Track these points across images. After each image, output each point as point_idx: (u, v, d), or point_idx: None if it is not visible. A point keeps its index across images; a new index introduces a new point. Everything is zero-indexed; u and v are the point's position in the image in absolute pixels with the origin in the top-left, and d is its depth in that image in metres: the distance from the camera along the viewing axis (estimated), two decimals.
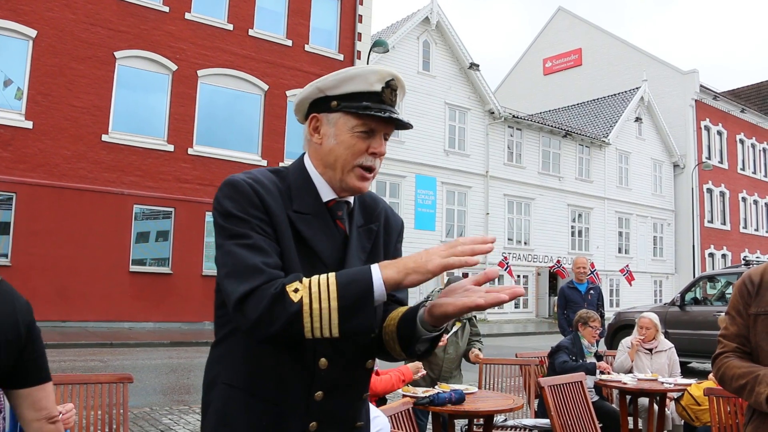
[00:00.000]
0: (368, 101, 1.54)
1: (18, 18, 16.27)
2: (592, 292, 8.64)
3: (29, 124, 16.32)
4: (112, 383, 3.81)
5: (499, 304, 1.35)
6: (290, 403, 1.51)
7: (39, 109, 16.48)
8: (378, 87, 1.55)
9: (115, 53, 17.72)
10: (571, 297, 8.60)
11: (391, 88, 1.58)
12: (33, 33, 16.48)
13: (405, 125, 1.57)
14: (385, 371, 4.35)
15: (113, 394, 3.79)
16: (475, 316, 5.51)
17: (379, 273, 1.33)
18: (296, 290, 1.35)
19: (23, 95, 16.37)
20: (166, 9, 18.60)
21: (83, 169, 17.00)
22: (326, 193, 1.60)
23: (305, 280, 1.37)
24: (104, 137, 17.39)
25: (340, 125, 1.56)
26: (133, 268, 17.70)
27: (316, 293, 1.33)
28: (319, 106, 1.59)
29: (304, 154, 1.66)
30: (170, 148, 18.46)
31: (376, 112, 1.52)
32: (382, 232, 1.71)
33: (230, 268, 1.42)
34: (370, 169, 1.57)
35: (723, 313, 2.95)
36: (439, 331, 1.48)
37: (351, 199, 1.65)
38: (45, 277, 16.03)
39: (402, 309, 1.59)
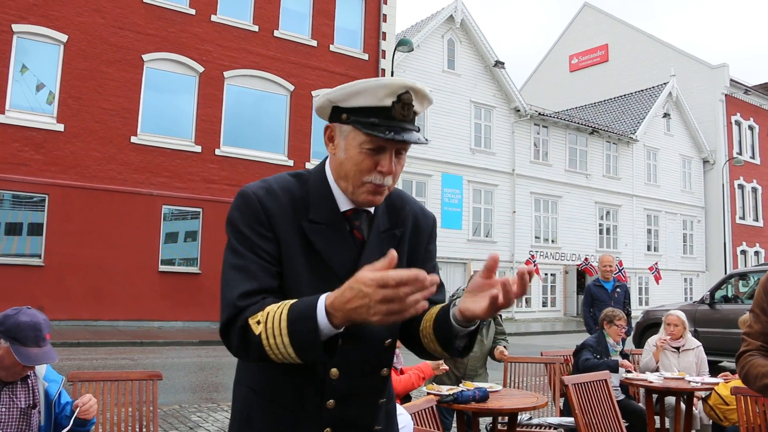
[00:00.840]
0: (377, 117, 1.46)
1: (50, 23, 16.60)
2: (618, 290, 8.58)
3: (61, 127, 16.63)
4: (142, 380, 3.89)
5: (522, 295, 1.39)
6: (304, 410, 1.54)
7: (70, 112, 16.79)
8: (387, 102, 1.45)
9: (143, 56, 17.98)
10: (598, 295, 8.56)
11: (403, 102, 1.46)
12: (64, 38, 16.79)
13: (416, 143, 1.49)
14: (408, 367, 4.38)
15: (143, 392, 3.87)
16: (500, 315, 5.50)
17: (324, 312, 1.28)
18: (258, 322, 1.35)
19: (54, 99, 16.68)
20: (193, 11, 18.82)
21: (113, 171, 17.28)
22: (344, 203, 1.57)
23: (266, 309, 1.36)
24: (133, 139, 17.66)
25: (350, 139, 1.50)
26: (162, 267, 17.94)
27: (270, 328, 1.33)
28: (334, 115, 1.54)
29: (327, 157, 1.63)
30: (198, 149, 18.68)
31: (380, 132, 1.44)
32: (408, 236, 1.67)
33: (221, 291, 1.48)
34: (379, 186, 1.52)
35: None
36: (475, 325, 1.50)
37: (371, 208, 1.60)
38: (77, 277, 16.33)
39: (435, 309, 1.58)
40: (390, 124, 1.46)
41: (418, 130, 1.52)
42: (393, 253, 1.22)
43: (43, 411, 2.89)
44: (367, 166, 1.49)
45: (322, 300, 1.29)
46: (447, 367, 4.76)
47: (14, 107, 16.16)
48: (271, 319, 1.33)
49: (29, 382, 2.84)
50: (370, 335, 1.55)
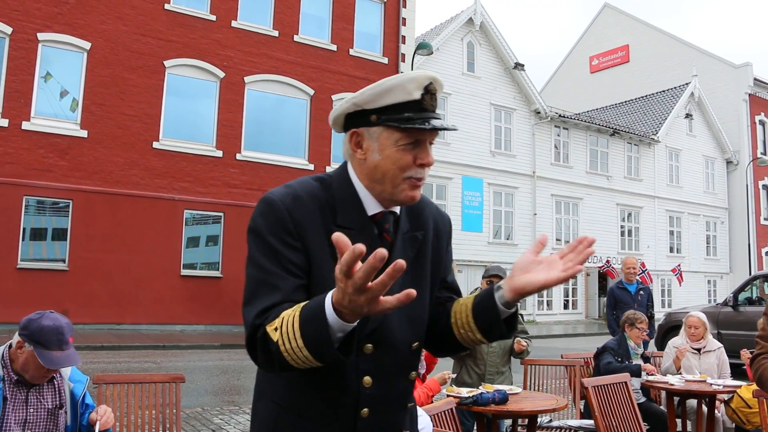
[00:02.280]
0: (409, 111, 1.47)
1: (73, 31, 16.85)
2: (642, 292, 8.52)
3: (84, 133, 16.87)
4: (165, 383, 3.94)
5: (577, 273, 1.45)
6: (338, 423, 1.52)
7: (93, 118, 17.02)
8: (417, 95, 1.48)
9: (164, 62, 18.18)
10: (621, 297, 8.50)
11: (430, 92, 1.50)
12: (87, 45, 17.04)
13: (450, 129, 1.52)
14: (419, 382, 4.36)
15: (166, 394, 3.92)
16: (521, 314, 5.47)
17: (332, 309, 1.25)
18: (276, 329, 1.33)
19: (78, 105, 16.93)
20: (213, 18, 19.00)
21: (136, 176, 17.49)
22: (372, 207, 1.56)
23: (281, 315, 1.34)
24: (155, 144, 17.86)
25: (383, 139, 1.50)
26: (185, 272, 18.10)
27: (285, 333, 1.30)
28: (358, 120, 1.53)
29: (346, 163, 1.61)
30: (219, 153, 18.84)
31: (419, 124, 1.46)
32: (431, 238, 1.67)
33: (245, 302, 1.45)
34: (420, 179, 1.53)
35: None
36: (515, 307, 1.54)
37: (397, 209, 1.61)
38: (100, 281, 16.54)
39: (467, 300, 1.60)
40: (424, 116, 1.48)
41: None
42: (401, 263, 1.16)
43: (69, 411, 2.95)
44: (407, 161, 1.49)
45: (329, 296, 1.25)
46: (452, 375, 4.72)
47: (39, 114, 16.43)
48: (286, 324, 1.31)
49: (55, 383, 2.90)
50: (398, 340, 1.55)
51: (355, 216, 1.54)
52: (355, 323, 1.27)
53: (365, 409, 1.52)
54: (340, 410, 1.51)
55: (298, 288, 1.45)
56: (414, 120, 1.47)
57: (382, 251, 1.14)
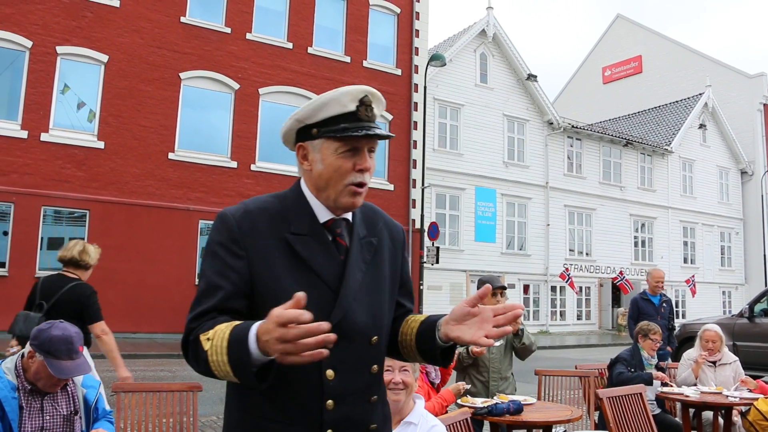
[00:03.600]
0: (345, 122, 1.61)
1: (91, 45, 17.09)
2: (665, 304, 8.45)
3: (101, 144, 17.06)
4: (182, 392, 3.99)
5: (504, 335, 1.56)
6: (305, 419, 1.59)
7: (110, 129, 17.22)
8: (352, 107, 1.61)
9: (180, 74, 18.38)
10: (645, 309, 8.39)
11: (365, 104, 1.63)
12: (105, 58, 17.26)
13: (385, 137, 1.65)
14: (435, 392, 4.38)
15: (183, 402, 3.96)
16: (523, 328, 5.37)
17: (254, 338, 1.35)
18: (208, 339, 1.43)
19: (95, 117, 17.14)
20: (228, 30, 19.20)
21: (151, 187, 17.65)
22: (323, 215, 1.68)
23: (215, 328, 1.44)
24: (171, 155, 18.03)
25: (324, 150, 1.63)
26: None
27: (215, 346, 1.41)
28: (303, 135, 1.67)
29: (300, 178, 1.75)
30: (234, 164, 18.98)
31: (353, 132, 1.59)
32: (387, 245, 1.80)
33: (189, 308, 1.59)
34: (360, 185, 1.65)
35: None
36: (451, 343, 1.66)
37: (350, 216, 1.73)
38: (116, 290, 16.64)
39: (414, 322, 1.75)
40: (359, 125, 1.62)
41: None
42: (300, 295, 1.29)
43: (83, 416, 3.00)
44: (346, 168, 1.62)
45: (255, 326, 1.35)
46: (466, 387, 4.73)
47: (57, 126, 16.65)
48: (218, 338, 1.41)
49: (69, 389, 2.94)
50: (356, 333, 1.63)
51: (307, 223, 1.66)
52: (272, 357, 1.35)
53: (330, 401, 1.59)
54: (305, 407, 1.59)
55: (234, 295, 1.57)
56: (349, 129, 1.60)
57: (324, 326, 1.27)
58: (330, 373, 1.59)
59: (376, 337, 1.69)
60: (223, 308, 1.54)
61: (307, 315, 1.27)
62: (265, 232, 1.62)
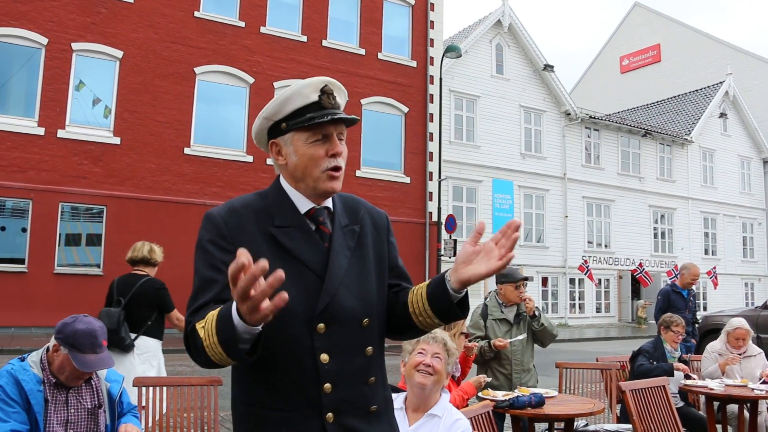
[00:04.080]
0: (310, 112, 1.68)
1: (106, 41, 17.14)
2: (692, 298, 8.35)
3: (117, 140, 17.13)
4: (203, 386, 4.00)
5: (511, 259, 1.62)
6: (304, 405, 1.63)
7: (126, 125, 17.28)
8: (314, 97, 1.69)
9: (195, 69, 18.39)
10: (675, 302, 8.24)
11: (326, 93, 1.70)
12: (120, 54, 17.31)
13: (350, 121, 1.70)
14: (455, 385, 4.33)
15: (204, 397, 3.97)
16: (538, 312, 5.28)
17: (236, 312, 1.38)
18: (202, 327, 1.49)
19: (111, 113, 17.21)
20: (242, 24, 19.18)
21: (167, 182, 17.71)
22: (303, 205, 1.74)
23: (208, 315, 1.49)
24: (186, 150, 18.07)
25: (296, 141, 1.70)
26: None
27: (208, 329, 1.46)
28: (274, 132, 1.74)
29: (279, 175, 1.80)
30: (249, 159, 18.99)
31: (319, 119, 1.65)
32: (370, 232, 1.84)
33: (186, 305, 1.65)
34: (336, 169, 1.70)
35: None
36: (464, 293, 1.70)
37: (330, 205, 1.79)
38: None
39: (423, 285, 1.77)
40: (324, 113, 1.68)
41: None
42: (279, 272, 1.29)
43: (108, 411, 2.99)
44: (319, 155, 1.69)
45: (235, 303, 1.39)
46: (489, 379, 4.67)
47: (73, 122, 16.73)
48: (209, 322, 1.46)
49: (93, 383, 2.95)
50: (345, 317, 1.68)
51: (289, 216, 1.72)
52: (259, 327, 1.39)
53: (327, 384, 1.63)
54: (303, 390, 1.63)
55: (227, 287, 1.54)
56: (315, 117, 1.67)
57: (262, 262, 1.26)
58: (324, 357, 1.63)
59: (367, 320, 1.72)
60: (219, 299, 1.58)
61: (244, 258, 1.27)
62: (251, 227, 1.68)
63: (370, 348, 1.73)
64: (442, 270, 20.92)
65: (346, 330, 1.68)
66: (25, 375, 2.77)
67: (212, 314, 1.46)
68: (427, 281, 1.77)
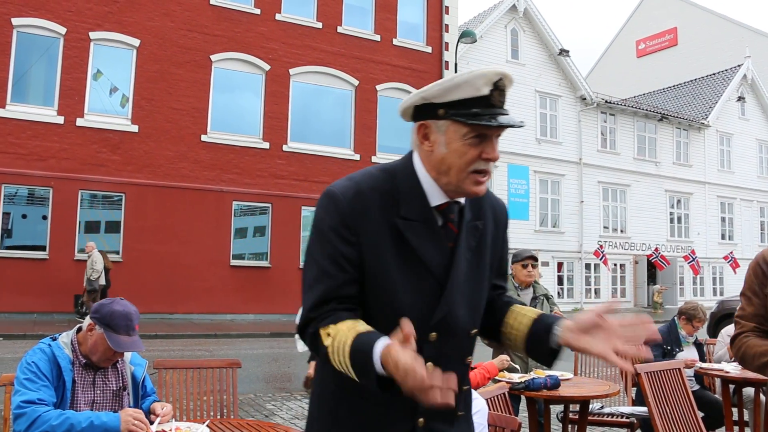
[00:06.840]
0: (477, 107, 1.49)
1: (123, 29, 17.26)
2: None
3: (135, 128, 17.28)
4: (223, 368, 4.05)
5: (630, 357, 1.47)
6: (400, 407, 1.55)
7: (143, 113, 17.42)
8: (486, 91, 1.50)
9: (211, 56, 18.47)
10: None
11: (499, 89, 1.52)
12: (136, 42, 17.42)
13: (517, 126, 1.54)
14: (476, 364, 4.40)
15: (223, 379, 4.03)
16: (551, 296, 5.39)
17: (378, 358, 1.36)
18: (329, 335, 1.46)
19: (128, 101, 17.35)
20: (258, 11, 19.21)
21: (185, 169, 17.85)
22: (436, 198, 1.59)
23: (334, 327, 1.46)
24: (203, 137, 18.19)
25: (451, 133, 1.52)
26: (234, 262, 18.43)
27: (337, 347, 1.43)
28: (427, 112, 1.55)
29: (412, 153, 1.64)
30: (266, 145, 19.08)
31: (486, 120, 1.48)
32: (491, 228, 1.71)
33: (302, 291, 1.57)
34: (484, 173, 1.55)
35: None
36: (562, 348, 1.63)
37: (462, 199, 1.63)
38: (152, 272, 16.95)
39: (528, 317, 1.69)
40: (491, 112, 1.50)
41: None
42: (407, 328, 1.32)
43: (131, 393, 3.08)
44: (473, 156, 1.52)
45: (378, 347, 1.36)
46: (509, 361, 4.72)
47: (92, 111, 16.89)
48: (339, 341, 1.42)
49: (118, 366, 3.02)
50: (458, 327, 1.60)
51: (418, 207, 1.57)
52: None
53: None
54: (400, 393, 1.56)
55: (348, 282, 1.52)
56: (481, 116, 1.49)
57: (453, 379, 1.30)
58: (429, 366, 1.51)
59: (474, 330, 1.66)
60: (338, 296, 1.51)
61: (422, 370, 1.29)
62: (376, 214, 1.54)
63: (469, 357, 1.69)
64: None
65: (455, 341, 1.61)
66: (61, 352, 2.84)
67: (343, 335, 1.43)
68: (533, 314, 1.69)
